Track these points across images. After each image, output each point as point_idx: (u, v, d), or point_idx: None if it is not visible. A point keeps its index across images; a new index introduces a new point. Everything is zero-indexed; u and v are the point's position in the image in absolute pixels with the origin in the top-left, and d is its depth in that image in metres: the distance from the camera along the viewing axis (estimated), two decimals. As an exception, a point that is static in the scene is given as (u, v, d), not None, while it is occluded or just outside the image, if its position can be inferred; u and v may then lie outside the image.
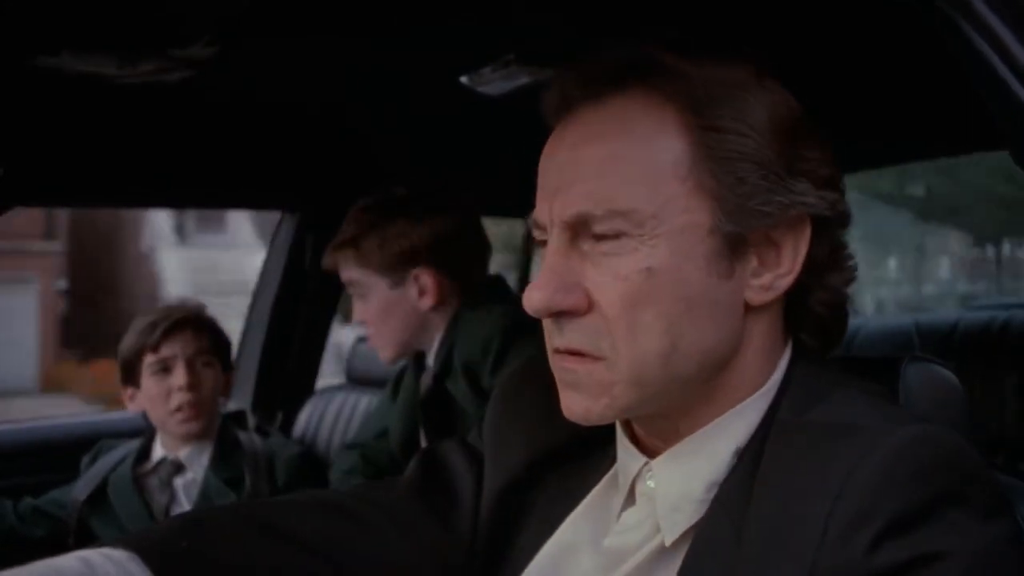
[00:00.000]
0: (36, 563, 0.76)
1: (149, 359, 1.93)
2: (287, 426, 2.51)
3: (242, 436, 2.03)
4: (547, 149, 0.84)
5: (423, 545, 0.93)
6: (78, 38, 1.36)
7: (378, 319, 1.80)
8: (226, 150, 2.04)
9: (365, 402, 2.44)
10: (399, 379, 2.04)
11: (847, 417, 0.75)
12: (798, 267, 0.80)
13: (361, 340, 2.69)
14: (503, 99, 1.70)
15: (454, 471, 0.98)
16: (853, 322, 2.49)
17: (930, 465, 0.70)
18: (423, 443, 1.88)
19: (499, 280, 1.90)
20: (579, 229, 0.79)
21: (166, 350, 1.93)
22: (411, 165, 2.22)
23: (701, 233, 0.77)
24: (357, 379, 2.64)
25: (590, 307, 0.79)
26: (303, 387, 2.59)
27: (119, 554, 0.78)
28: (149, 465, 1.98)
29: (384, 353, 1.84)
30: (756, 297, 0.80)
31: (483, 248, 1.86)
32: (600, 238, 0.78)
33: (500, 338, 1.66)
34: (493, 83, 1.66)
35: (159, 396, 1.93)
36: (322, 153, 2.16)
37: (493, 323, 1.69)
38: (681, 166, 0.77)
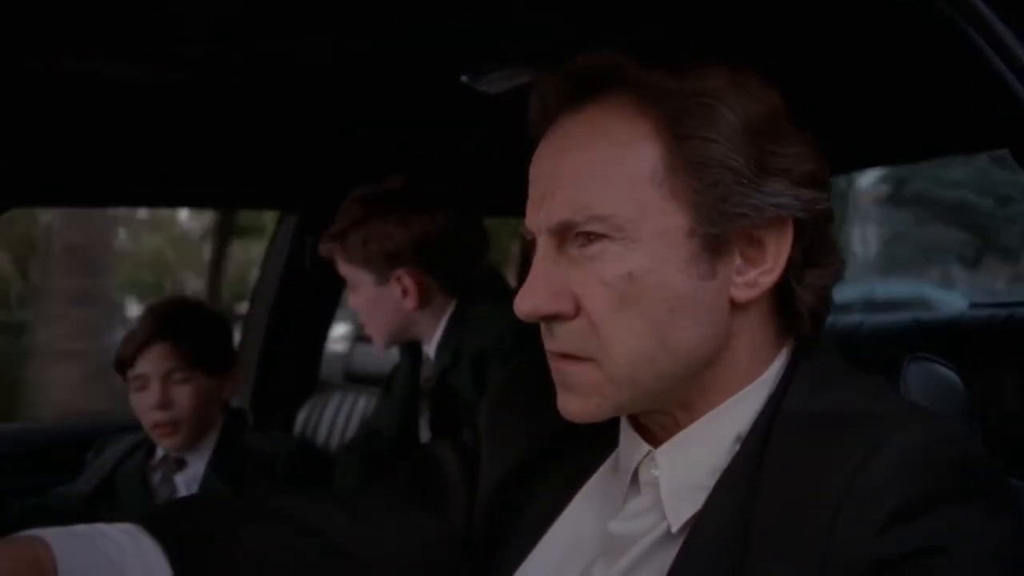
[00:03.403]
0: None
1: (129, 372, 1.91)
2: (286, 426, 2.51)
3: (244, 435, 2.02)
4: (534, 159, 0.86)
5: (418, 537, 0.96)
6: (78, 38, 1.36)
7: (366, 312, 1.83)
8: (226, 150, 2.04)
9: (364, 402, 2.44)
10: (392, 378, 2.04)
11: (860, 407, 0.76)
12: (781, 264, 0.82)
13: (360, 340, 2.69)
14: (503, 98, 1.70)
15: (446, 468, 1.01)
16: (853, 319, 2.50)
17: (942, 459, 0.71)
18: (423, 434, 1.88)
19: (494, 273, 1.90)
20: (564, 236, 0.82)
21: (141, 367, 1.88)
22: (411, 165, 2.21)
23: (680, 236, 0.79)
24: (356, 379, 2.64)
25: (578, 311, 0.81)
26: (302, 387, 2.59)
27: (128, 526, 0.84)
28: (156, 459, 1.98)
29: (376, 343, 1.88)
30: (740, 294, 0.82)
31: (478, 245, 1.84)
32: (584, 244, 0.81)
33: (513, 330, 1.64)
34: (493, 82, 1.66)
35: (138, 410, 1.91)
36: (322, 153, 2.16)
37: (504, 316, 1.68)
38: (656, 173, 0.79)
